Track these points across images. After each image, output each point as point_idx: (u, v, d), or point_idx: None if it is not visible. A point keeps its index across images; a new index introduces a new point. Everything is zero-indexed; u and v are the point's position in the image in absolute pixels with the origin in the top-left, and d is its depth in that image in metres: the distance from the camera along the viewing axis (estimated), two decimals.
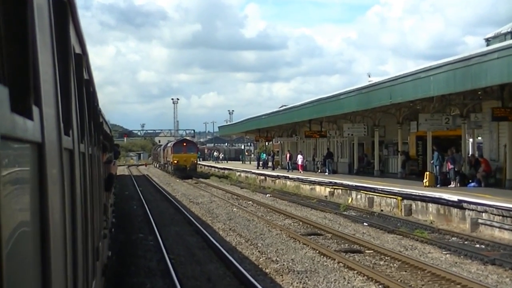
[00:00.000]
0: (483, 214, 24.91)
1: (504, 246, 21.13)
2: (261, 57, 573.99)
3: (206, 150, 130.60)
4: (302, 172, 56.25)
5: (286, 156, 64.30)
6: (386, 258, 19.68)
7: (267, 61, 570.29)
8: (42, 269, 2.44)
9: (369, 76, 67.55)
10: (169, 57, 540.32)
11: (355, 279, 16.74)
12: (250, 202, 40.91)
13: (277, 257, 20.11)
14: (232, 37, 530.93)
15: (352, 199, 38.34)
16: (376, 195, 35.13)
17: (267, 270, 18.00)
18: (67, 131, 3.59)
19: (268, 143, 79.40)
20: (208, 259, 20.13)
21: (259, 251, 21.31)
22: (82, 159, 4.90)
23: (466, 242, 22.97)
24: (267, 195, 46.54)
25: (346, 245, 22.56)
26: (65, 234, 3.12)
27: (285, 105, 69.65)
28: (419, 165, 44.62)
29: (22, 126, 2.04)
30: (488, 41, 37.15)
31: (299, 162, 58.25)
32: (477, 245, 22.21)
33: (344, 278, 16.85)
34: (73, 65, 4.32)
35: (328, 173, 51.62)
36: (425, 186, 33.40)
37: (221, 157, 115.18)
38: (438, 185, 33.59)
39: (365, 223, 28.54)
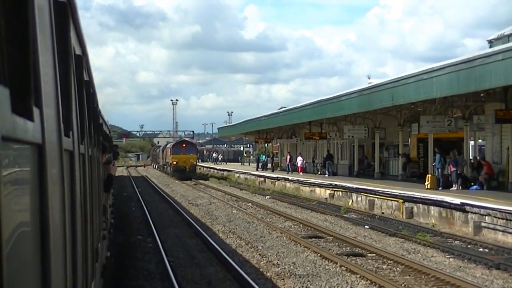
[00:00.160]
0: (486, 217, 24.61)
1: (508, 250, 20.80)
2: (260, 59, 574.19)
3: (205, 152, 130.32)
4: (302, 174, 55.95)
5: (286, 158, 64.00)
6: (388, 262, 19.37)
7: (266, 62, 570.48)
8: (42, 270, 2.45)
9: (368, 78, 67.31)
10: (168, 58, 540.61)
11: (358, 284, 16.43)
12: (250, 204, 40.60)
13: (278, 260, 19.79)
14: (231, 38, 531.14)
15: (352, 201, 38.03)
16: (377, 198, 34.83)
17: (268, 274, 17.68)
18: (67, 132, 3.60)
19: (267, 145, 79.11)
20: (208, 262, 19.81)
21: (259, 254, 20.99)
22: (82, 160, 4.92)
23: (469, 246, 22.66)
24: (267, 197, 46.23)
25: (348, 248, 22.25)
26: (65, 235, 3.13)
27: (284, 107, 69.43)
28: (420, 167, 44.34)
29: (22, 127, 2.05)
30: (491, 42, 36.85)
31: (299, 164, 57.95)
32: (481, 249, 21.90)
33: (347, 282, 16.54)
34: (74, 66, 4.32)
35: (328, 175, 51.37)
36: (427, 188, 33.09)
37: (220, 158, 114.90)
38: (440, 188, 33.28)
39: (366, 226, 28.23)
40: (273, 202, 41.82)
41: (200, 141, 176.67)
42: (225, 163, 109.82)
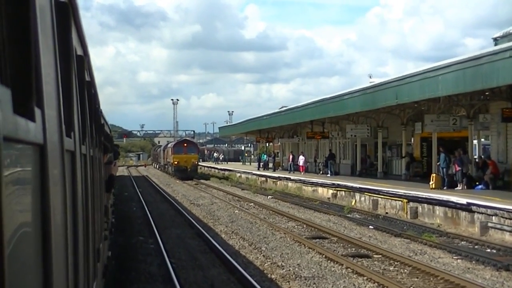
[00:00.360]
0: (493, 217, 24.22)
1: None
2: (260, 58, 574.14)
3: (206, 151, 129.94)
4: (304, 173, 55.54)
5: (289, 158, 63.62)
6: (395, 263, 18.98)
7: (266, 62, 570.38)
8: (44, 270, 2.45)
9: (370, 77, 67.00)
10: (168, 58, 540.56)
11: (365, 286, 16.05)
12: (252, 204, 40.22)
13: (283, 262, 19.40)
14: (231, 38, 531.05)
15: (355, 201, 37.64)
16: (381, 197, 34.43)
17: (273, 276, 17.28)
18: (69, 132, 3.61)
19: (268, 144, 78.71)
20: (210, 264, 19.42)
21: (263, 256, 20.60)
22: (83, 161, 4.93)
23: (476, 247, 22.27)
24: (269, 196, 45.84)
25: (353, 249, 21.86)
26: (67, 235, 3.14)
27: (285, 106, 69.09)
28: (423, 167, 43.94)
29: (24, 127, 2.05)
30: (496, 40, 36.42)
31: (301, 164, 57.54)
32: (488, 250, 21.53)
33: (354, 284, 16.15)
34: (75, 67, 4.32)
35: (330, 175, 51.02)
36: (432, 188, 32.70)
37: (221, 158, 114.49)
38: (444, 187, 32.88)
39: (370, 226, 27.84)
40: (275, 202, 41.43)
41: (201, 141, 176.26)
42: (226, 162, 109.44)
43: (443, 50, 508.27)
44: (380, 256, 20.21)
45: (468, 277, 16.69)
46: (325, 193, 43.79)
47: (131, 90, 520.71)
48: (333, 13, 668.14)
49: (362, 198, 36.94)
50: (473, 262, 19.23)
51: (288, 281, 16.66)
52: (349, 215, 32.36)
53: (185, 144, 76.06)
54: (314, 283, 16.33)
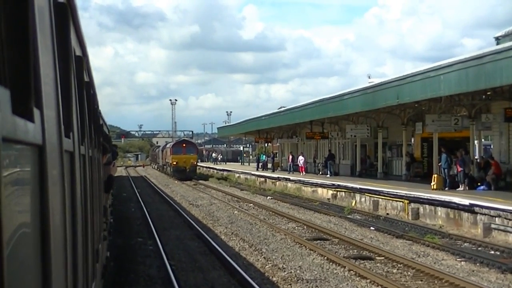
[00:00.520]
0: (497, 218, 23.92)
1: None
2: (259, 59, 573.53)
3: (204, 151, 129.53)
4: (303, 174, 55.22)
5: (288, 158, 63.31)
6: (398, 265, 18.67)
7: (265, 62, 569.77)
8: (43, 271, 2.44)
9: (369, 78, 66.61)
10: (167, 59, 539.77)
11: None
12: (251, 204, 39.89)
13: (284, 264, 19.08)
14: (230, 38, 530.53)
15: (356, 202, 37.33)
16: (381, 198, 34.12)
17: (274, 279, 16.96)
18: (68, 133, 3.61)
19: (267, 145, 78.40)
20: (210, 266, 19.10)
21: (264, 257, 20.27)
22: (82, 161, 4.93)
23: (480, 248, 21.97)
24: (268, 197, 45.54)
25: (355, 251, 21.55)
26: (66, 235, 3.14)
27: (283, 107, 68.76)
28: (424, 167, 43.65)
29: (23, 128, 2.05)
30: (498, 39, 36.15)
31: (301, 164, 57.21)
32: (492, 252, 21.23)
33: (357, 287, 15.84)
34: (74, 67, 4.33)
35: (330, 175, 50.72)
36: (433, 189, 32.38)
37: (219, 158, 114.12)
38: (446, 188, 32.57)
39: (371, 227, 27.53)
40: (275, 203, 41.12)
41: (199, 141, 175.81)
42: (224, 163, 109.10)
43: (441, 50, 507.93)
44: (383, 258, 19.90)
45: (473, 280, 16.38)
46: (324, 193, 43.49)
47: (130, 90, 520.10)
48: (331, 13, 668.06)
49: (363, 199, 36.63)
50: (478, 264, 18.94)
51: (290, 284, 16.35)
52: (349, 216, 32.06)
53: (184, 145, 75.59)
54: (317, 286, 16.02)
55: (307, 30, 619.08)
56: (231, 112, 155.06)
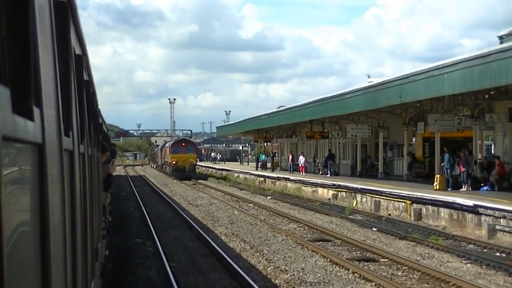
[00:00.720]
0: (501, 220, 23.54)
1: None
2: (257, 58, 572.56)
3: (203, 151, 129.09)
4: (304, 174, 54.82)
5: (288, 158, 62.90)
6: (403, 267, 18.27)
7: (263, 62, 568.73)
8: (42, 269, 2.44)
9: (368, 77, 66.25)
10: (165, 58, 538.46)
11: None
12: (251, 204, 39.49)
13: (286, 266, 18.67)
14: (228, 37, 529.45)
15: (357, 202, 36.94)
16: (383, 199, 33.73)
17: (277, 281, 16.55)
18: (67, 132, 3.61)
19: (267, 144, 78.00)
20: (211, 268, 18.69)
21: (266, 259, 19.86)
22: (82, 160, 4.92)
23: (485, 250, 21.61)
24: (268, 197, 45.15)
25: (358, 252, 21.16)
26: (65, 234, 3.14)
27: (282, 106, 68.37)
28: (425, 167, 43.26)
29: (23, 127, 2.06)
30: (502, 38, 35.77)
31: (302, 164, 56.81)
32: (497, 254, 20.86)
33: None
34: (74, 66, 4.33)
35: (330, 175, 50.34)
36: (436, 189, 31.99)
37: (218, 157, 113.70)
38: (449, 189, 32.17)
39: (374, 228, 27.14)
40: (275, 203, 40.73)
41: (198, 140, 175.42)
42: (223, 162, 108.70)
43: (440, 50, 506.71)
44: (387, 260, 19.51)
45: (481, 283, 15.99)
46: (325, 193, 43.11)
47: (128, 89, 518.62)
48: (330, 13, 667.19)
49: (364, 199, 36.24)
50: (484, 266, 18.55)
51: (293, 287, 15.95)
52: (351, 217, 31.69)
53: (183, 144, 75.04)
54: None
55: (306, 29, 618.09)
56: (230, 111, 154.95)
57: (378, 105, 37.14)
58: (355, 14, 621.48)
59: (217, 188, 55.23)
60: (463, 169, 32.44)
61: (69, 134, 3.70)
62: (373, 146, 50.38)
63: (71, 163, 3.82)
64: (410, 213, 30.41)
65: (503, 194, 28.00)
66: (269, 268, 18.35)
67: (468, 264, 18.94)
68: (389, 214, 32.06)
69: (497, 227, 23.61)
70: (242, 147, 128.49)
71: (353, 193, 38.05)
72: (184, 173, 70.44)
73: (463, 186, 32.40)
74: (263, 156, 74.13)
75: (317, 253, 20.83)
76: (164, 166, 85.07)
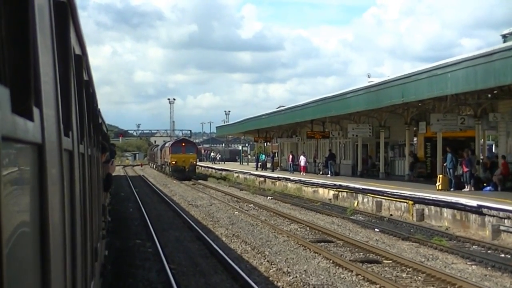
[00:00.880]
0: (506, 220, 23.23)
1: None
2: (257, 58, 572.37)
3: (203, 151, 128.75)
4: (304, 174, 54.50)
5: (288, 158, 62.59)
6: (407, 269, 17.96)
7: (263, 62, 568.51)
8: (42, 269, 2.44)
9: (369, 77, 65.99)
10: (165, 58, 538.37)
11: None
12: (252, 205, 39.18)
13: (288, 267, 18.36)
14: (228, 37, 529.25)
15: (358, 202, 36.63)
16: (385, 199, 33.42)
17: (279, 284, 16.24)
18: (67, 132, 3.62)
19: (267, 144, 77.67)
20: (212, 270, 18.38)
21: (267, 261, 19.55)
22: (81, 160, 4.92)
23: (489, 251, 21.32)
24: (268, 197, 44.84)
25: (361, 254, 20.85)
26: (65, 234, 3.14)
27: (282, 106, 68.07)
28: (427, 167, 42.95)
29: (22, 127, 2.05)
30: (505, 37, 35.50)
31: (302, 164, 56.48)
32: (502, 255, 20.57)
33: None
34: (73, 66, 4.32)
35: (331, 175, 50.03)
36: (438, 189, 31.67)
37: (218, 158, 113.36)
38: (451, 189, 31.86)
39: (376, 229, 26.84)
40: (276, 203, 40.43)
41: (197, 140, 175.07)
42: (223, 162, 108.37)
43: (440, 50, 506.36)
44: (391, 261, 19.20)
45: (488, 285, 15.72)
46: (326, 194, 42.80)
47: (128, 89, 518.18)
48: (330, 13, 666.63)
49: (365, 200, 35.94)
50: (489, 268, 18.26)
51: None
52: (352, 217, 31.40)
53: (183, 144, 74.60)
54: None
55: (306, 29, 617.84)
56: (229, 111, 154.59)
57: (380, 105, 36.84)
58: (355, 14, 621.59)
59: (217, 188, 54.91)
60: (466, 169, 32.12)
61: (69, 134, 3.70)
62: (374, 146, 50.06)
63: (71, 163, 3.83)
64: (412, 214, 30.10)
65: (506, 194, 27.69)
66: (271, 270, 18.05)
67: (473, 266, 18.65)
68: (391, 215, 31.77)
69: (502, 227, 23.31)
70: (242, 147, 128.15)
71: (354, 193, 37.75)
72: (184, 173, 70.05)
73: (466, 186, 32.09)
74: (263, 156, 73.79)
75: (320, 254, 20.53)
76: (163, 166, 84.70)
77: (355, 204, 36.31)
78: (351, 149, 52.76)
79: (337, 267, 18.29)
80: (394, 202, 32.32)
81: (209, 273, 17.81)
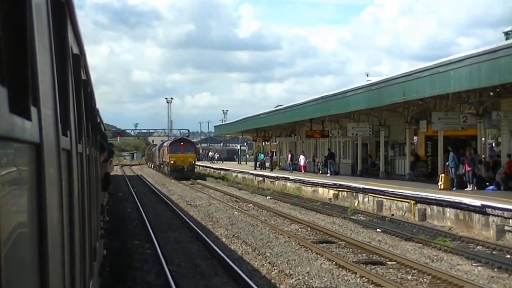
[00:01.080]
0: (510, 220, 22.84)
1: None
2: (255, 58, 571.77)
3: (201, 150, 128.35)
4: (304, 173, 54.10)
5: (287, 157, 62.18)
6: (412, 271, 17.56)
7: (261, 61, 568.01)
8: (40, 269, 2.45)
9: (367, 76, 65.64)
10: (162, 57, 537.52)
11: None
12: (251, 204, 38.78)
13: (290, 269, 17.94)
14: (225, 37, 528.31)
15: (358, 202, 36.23)
16: (386, 198, 33.02)
17: (282, 287, 15.83)
18: (65, 131, 3.62)
19: (265, 143, 77.24)
20: (212, 272, 17.97)
21: (269, 262, 19.13)
22: (79, 160, 4.92)
23: (494, 252, 20.92)
24: (268, 197, 44.42)
25: (364, 255, 20.44)
26: (63, 234, 3.14)
27: (280, 105, 67.68)
28: (428, 166, 42.56)
29: (20, 126, 2.05)
30: (508, 34, 35.14)
31: (302, 163, 56.08)
32: (508, 256, 20.19)
33: None
34: (71, 66, 4.33)
35: (330, 175, 49.63)
36: (440, 189, 31.28)
37: (216, 157, 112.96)
38: (454, 188, 31.47)
39: (378, 229, 26.45)
40: (275, 203, 40.03)
41: (195, 140, 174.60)
42: (221, 162, 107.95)
43: (437, 49, 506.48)
44: (395, 263, 18.81)
45: (496, 287, 15.30)
46: (326, 193, 42.40)
47: (125, 89, 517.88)
48: (327, 12, 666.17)
49: (366, 199, 35.54)
50: (495, 269, 17.87)
51: None
52: (353, 217, 31.00)
53: (182, 143, 74.05)
54: None
55: (303, 29, 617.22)
56: (227, 110, 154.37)
57: (381, 103, 36.42)
58: (352, 13, 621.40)
59: (215, 188, 54.50)
60: (468, 168, 31.72)
61: (67, 134, 3.70)
62: (373, 145, 49.67)
63: (69, 163, 3.82)
64: (414, 213, 29.71)
65: (510, 194, 27.31)
66: (273, 272, 17.63)
67: (479, 267, 18.25)
68: (392, 214, 31.37)
69: (506, 228, 22.93)
70: (240, 146, 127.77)
71: (354, 193, 37.35)
72: (182, 173, 69.58)
73: (469, 186, 31.69)
74: (262, 155, 73.36)
75: (322, 255, 20.12)
76: (162, 166, 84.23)
77: (356, 204, 35.91)
78: (351, 148, 52.36)
79: (341, 269, 17.89)
80: (396, 201, 31.92)
81: (210, 275, 17.41)
